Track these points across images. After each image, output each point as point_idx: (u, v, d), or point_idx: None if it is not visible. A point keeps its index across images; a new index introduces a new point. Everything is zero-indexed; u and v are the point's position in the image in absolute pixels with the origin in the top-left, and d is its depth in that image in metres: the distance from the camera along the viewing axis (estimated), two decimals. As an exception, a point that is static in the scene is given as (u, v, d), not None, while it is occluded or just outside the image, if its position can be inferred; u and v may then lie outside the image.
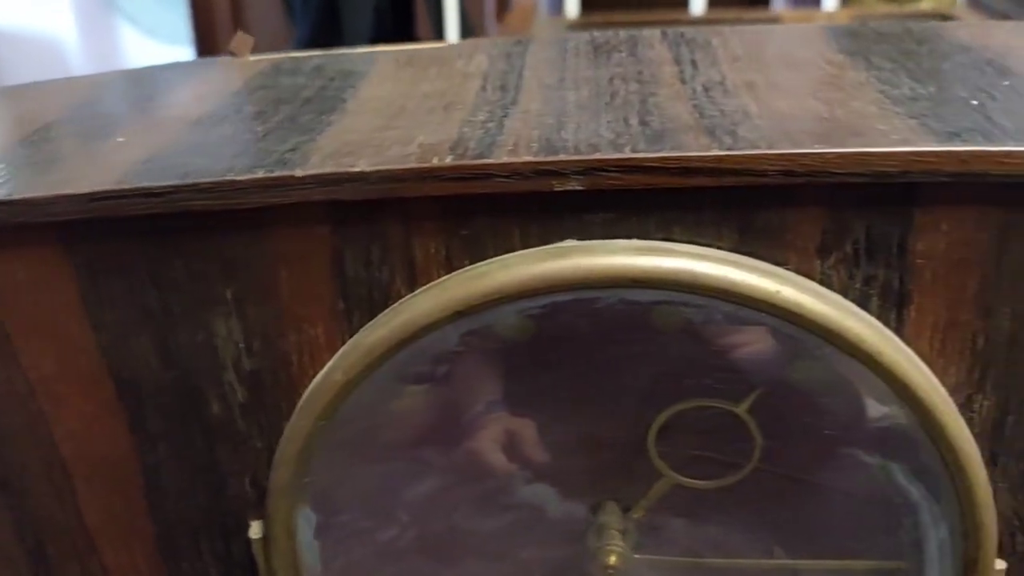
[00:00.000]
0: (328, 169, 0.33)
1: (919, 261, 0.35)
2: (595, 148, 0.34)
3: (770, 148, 0.33)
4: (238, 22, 2.47)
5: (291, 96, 0.44)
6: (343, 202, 0.34)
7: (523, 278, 0.34)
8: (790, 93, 0.39)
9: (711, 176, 0.33)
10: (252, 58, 0.53)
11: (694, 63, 0.44)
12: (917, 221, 0.34)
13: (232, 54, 0.55)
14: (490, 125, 0.37)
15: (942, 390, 0.36)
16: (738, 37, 0.49)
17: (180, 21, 2.41)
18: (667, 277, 0.34)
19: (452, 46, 0.53)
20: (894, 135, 0.33)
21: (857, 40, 0.48)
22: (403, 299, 0.36)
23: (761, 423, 0.38)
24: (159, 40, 2.32)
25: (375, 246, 0.35)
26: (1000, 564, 0.39)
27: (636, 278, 0.34)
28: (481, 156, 0.34)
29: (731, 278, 0.34)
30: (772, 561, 0.41)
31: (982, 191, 0.33)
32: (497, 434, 0.43)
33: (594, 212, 0.35)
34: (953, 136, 0.33)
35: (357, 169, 0.33)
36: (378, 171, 0.33)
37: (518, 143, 0.35)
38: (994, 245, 0.34)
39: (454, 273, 0.35)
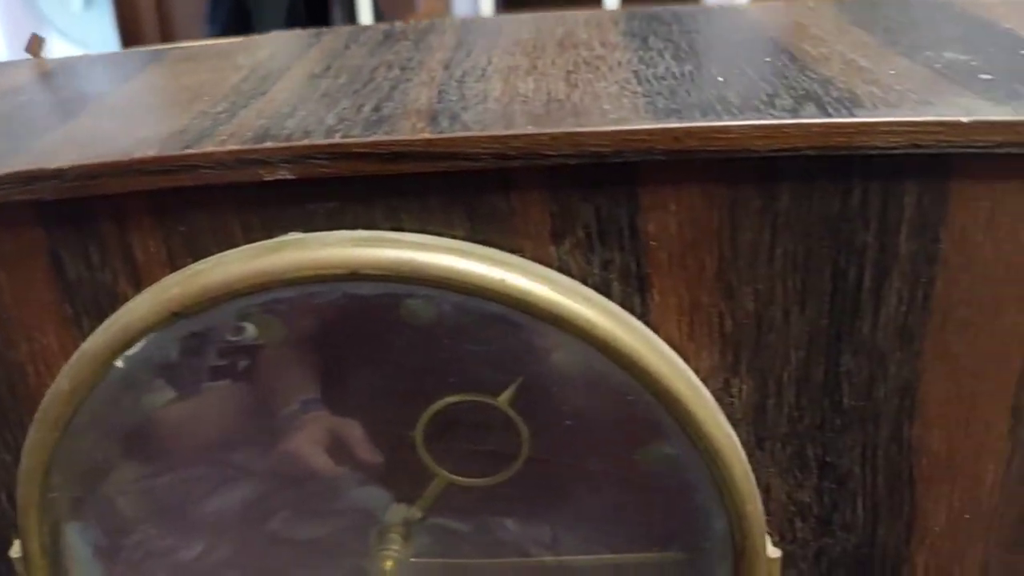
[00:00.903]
0: (23, 167, 0.32)
1: (652, 243, 0.33)
2: (308, 135, 0.32)
3: (482, 131, 0.32)
4: (165, 30, 2.44)
5: (49, 97, 0.42)
6: (51, 202, 0.33)
7: (237, 275, 0.32)
8: (538, 76, 0.38)
9: (422, 161, 0.32)
10: (46, 58, 0.51)
11: (470, 51, 0.43)
12: (643, 202, 0.33)
13: (31, 55, 0.53)
14: (222, 116, 0.36)
15: (691, 376, 0.35)
16: (533, 23, 0.48)
17: (109, 31, 2.39)
18: (387, 268, 0.32)
19: (253, 39, 0.51)
20: (614, 115, 0.32)
21: (650, 22, 0.47)
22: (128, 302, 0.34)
23: (528, 415, 0.37)
24: (91, 51, 2.29)
25: (92, 247, 0.34)
26: (774, 552, 0.38)
27: (354, 270, 0.32)
28: (189, 147, 0.32)
29: (454, 267, 0.32)
30: (553, 558, 0.40)
31: (705, 169, 0.32)
32: (317, 434, 0.41)
33: (316, 202, 0.33)
34: (673, 113, 0.32)
35: (53, 166, 0.32)
36: (75, 167, 0.32)
37: (236, 132, 0.33)
38: (726, 223, 0.33)
39: (175, 273, 0.34)
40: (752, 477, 0.36)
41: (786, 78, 0.35)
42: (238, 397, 0.40)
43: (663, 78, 0.37)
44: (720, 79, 0.36)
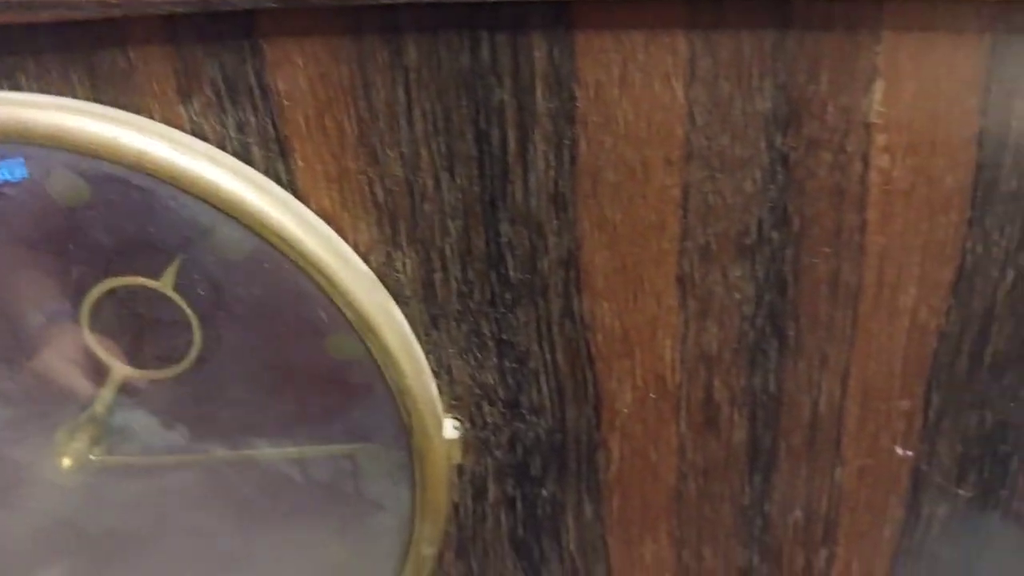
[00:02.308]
0: None
1: (286, 103, 0.32)
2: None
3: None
4: None
5: None
6: None
7: None
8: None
9: (23, 10, 0.30)
10: None
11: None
12: (269, 56, 0.32)
13: None
14: None
15: (345, 249, 0.34)
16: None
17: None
18: (-10, 126, 0.31)
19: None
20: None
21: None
22: None
23: (198, 300, 0.36)
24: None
25: None
26: (452, 433, 0.37)
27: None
28: None
29: (64, 125, 0.31)
30: (235, 452, 0.39)
31: (329, 17, 0.31)
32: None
33: (-76, 60, 0.31)
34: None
35: None
36: None
37: None
38: (358, 80, 0.32)
39: None
40: (419, 354, 0.36)
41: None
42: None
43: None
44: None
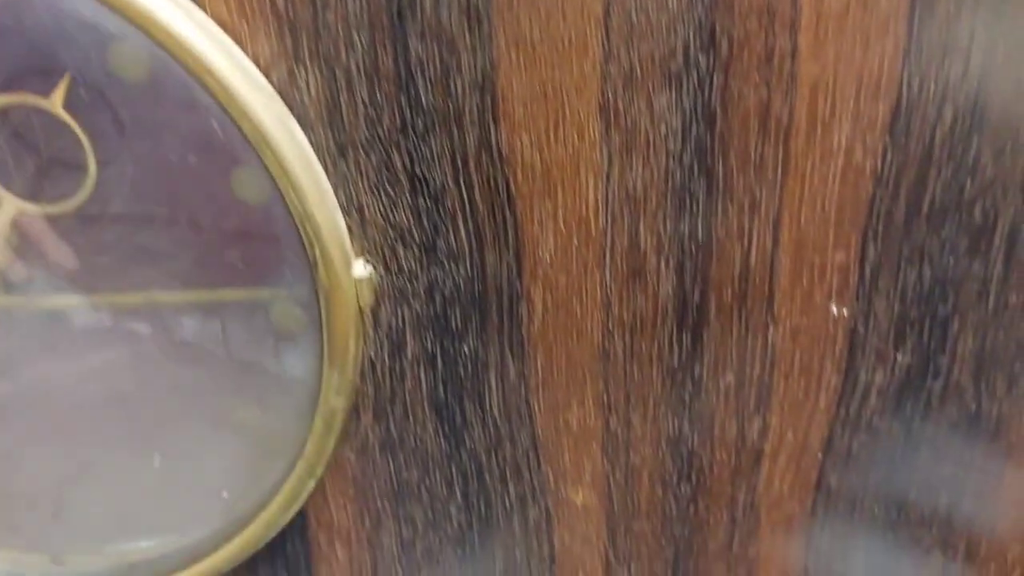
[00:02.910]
0: None
1: None
2: None
3: None
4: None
5: None
6: None
7: None
8: None
9: None
10: None
11: None
12: None
13: None
14: None
15: (245, 62, 0.32)
16: None
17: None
18: None
19: None
20: None
21: None
22: None
23: (92, 124, 0.33)
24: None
25: None
26: (361, 271, 0.35)
27: None
28: None
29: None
30: (132, 296, 0.36)
31: None
32: None
33: None
34: None
35: None
36: None
37: None
38: None
39: None
40: (326, 186, 0.33)
41: None
42: None
43: None
44: None
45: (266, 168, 0.32)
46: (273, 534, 0.40)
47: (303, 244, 0.34)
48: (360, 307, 0.35)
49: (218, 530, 0.40)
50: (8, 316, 0.37)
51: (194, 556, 0.40)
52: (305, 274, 0.35)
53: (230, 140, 0.33)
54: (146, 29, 0.30)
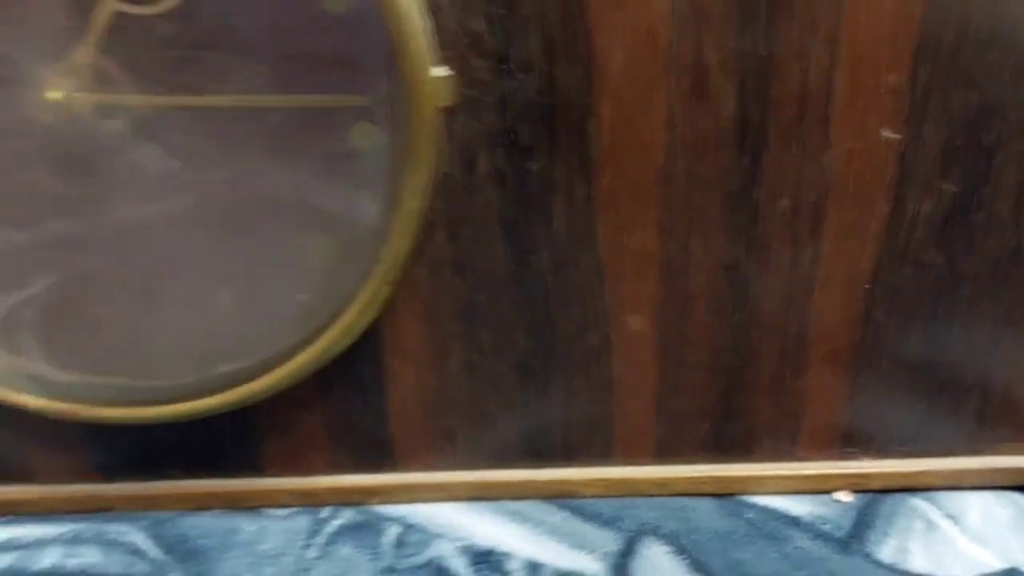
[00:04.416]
0: None
1: None
2: None
3: None
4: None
5: None
6: None
7: None
8: None
9: None
10: None
11: None
12: None
13: None
14: None
15: None
16: None
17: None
18: None
19: None
20: None
21: None
22: None
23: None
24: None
25: None
26: (440, 71, 0.37)
27: None
28: None
29: None
30: (236, 96, 0.39)
31: None
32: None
33: None
34: None
35: None
36: None
37: None
38: None
39: None
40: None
41: None
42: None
43: None
44: None
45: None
46: (349, 341, 0.42)
47: (385, 50, 0.36)
48: (438, 107, 0.38)
49: (298, 338, 0.42)
50: (98, 118, 0.40)
51: (275, 363, 0.43)
52: (382, 81, 0.38)
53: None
54: None
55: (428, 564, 0.42)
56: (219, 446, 0.48)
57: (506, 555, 0.42)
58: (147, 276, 0.43)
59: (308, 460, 0.48)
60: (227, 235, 0.42)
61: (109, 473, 0.48)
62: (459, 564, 0.42)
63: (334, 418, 0.47)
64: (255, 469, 0.48)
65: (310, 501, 0.49)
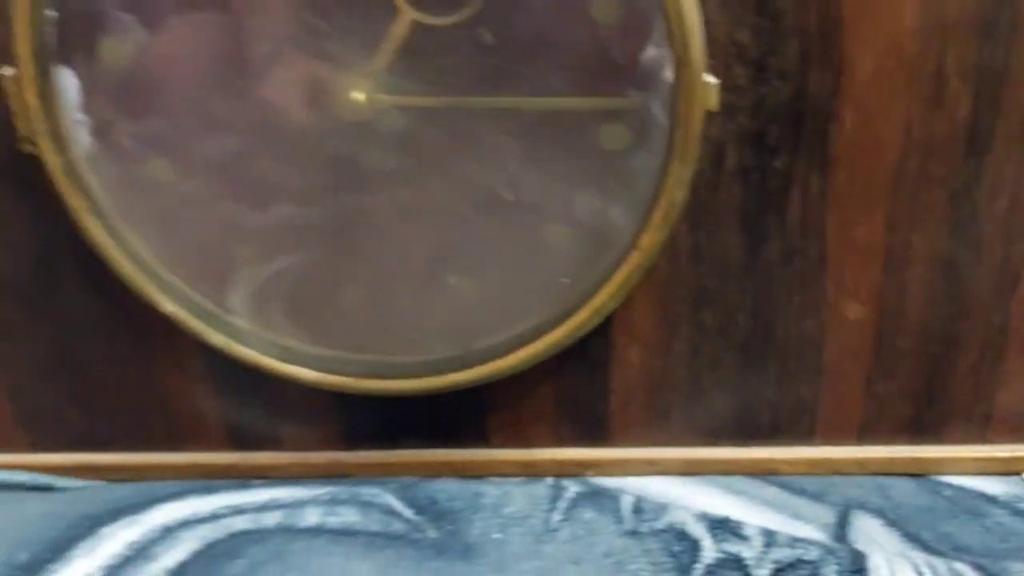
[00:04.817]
0: None
1: None
2: None
3: None
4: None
5: None
6: None
7: None
8: None
9: None
10: None
11: None
12: None
13: None
14: None
15: None
16: None
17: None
18: None
19: None
20: None
21: None
22: None
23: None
24: None
25: None
26: (711, 78, 0.42)
27: None
28: None
29: None
30: (513, 98, 0.43)
31: None
32: (290, 81, 0.44)
33: None
34: None
35: None
36: None
37: None
38: None
39: None
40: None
41: None
42: (211, 35, 0.43)
43: None
44: None
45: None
46: (598, 321, 0.46)
47: (649, 58, 0.40)
48: (706, 110, 0.42)
49: (550, 316, 0.46)
50: (385, 117, 0.44)
51: (524, 340, 0.47)
52: (644, 86, 0.42)
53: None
54: None
55: (669, 528, 0.45)
56: (451, 417, 0.52)
57: (739, 523, 0.46)
58: (412, 260, 0.47)
59: (532, 432, 0.52)
60: (487, 223, 0.46)
61: (352, 442, 0.53)
62: (698, 529, 0.45)
63: (561, 394, 0.51)
64: (482, 440, 0.53)
65: (530, 471, 0.53)
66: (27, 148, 0.43)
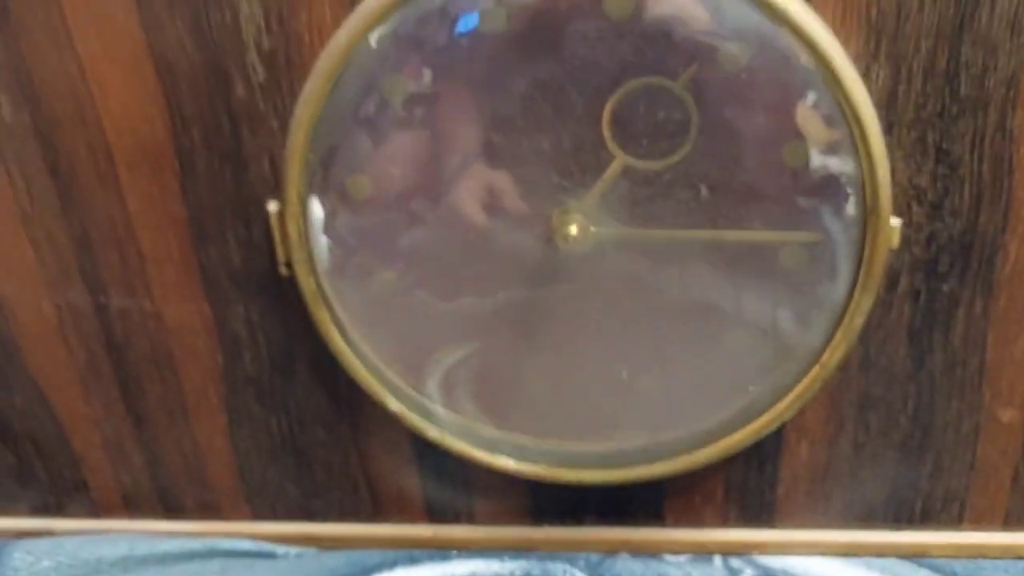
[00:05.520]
0: None
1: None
2: None
3: None
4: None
5: None
6: None
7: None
8: None
9: None
10: None
11: None
12: None
13: None
14: None
15: (842, 55, 0.44)
16: None
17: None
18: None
19: None
20: None
21: None
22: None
23: (699, 102, 0.46)
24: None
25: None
26: (895, 221, 0.47)
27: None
28: None
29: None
30: (706, 231, 0.49)
31: None
32: (475, 188, 0.50)
33: None
34: None
35: None
36: None
37: None
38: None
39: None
40: (885, 146, 0.45)
41: None
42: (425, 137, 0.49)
43: None
44: None
45: (852, 139, 0.44)
46: (776, 427, 0.52)
47: (833, 196, 0.45)
48: (889, 249, 0.47)
49: (732, 418, 0.52)
50: (601, 245, 0.50)
51: (706, 437, 0.53)
52: (849, 220, 0.47)
53: (806, 116, 0.45)
54: (794, 29, 0.42)
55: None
56: (631, 499, 0.58)
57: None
58: (603, 360, 0.53)
59: (703, 514, 0.58)
60: (676, 331, 0.52)
61: (539, 517, 0.59)
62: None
63: (733, 480, 0.57)
64: (658, 519, 0.58)
65: (700, 549, 0.58)
66: (283, 271, 0.50)
